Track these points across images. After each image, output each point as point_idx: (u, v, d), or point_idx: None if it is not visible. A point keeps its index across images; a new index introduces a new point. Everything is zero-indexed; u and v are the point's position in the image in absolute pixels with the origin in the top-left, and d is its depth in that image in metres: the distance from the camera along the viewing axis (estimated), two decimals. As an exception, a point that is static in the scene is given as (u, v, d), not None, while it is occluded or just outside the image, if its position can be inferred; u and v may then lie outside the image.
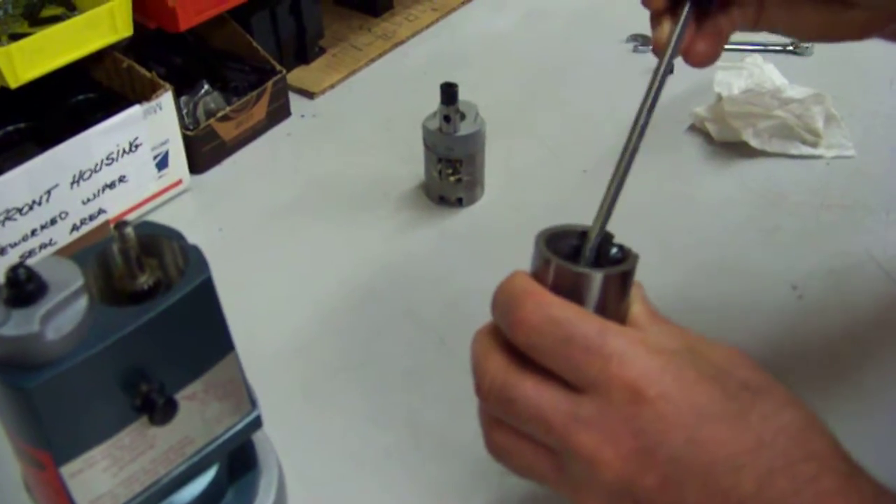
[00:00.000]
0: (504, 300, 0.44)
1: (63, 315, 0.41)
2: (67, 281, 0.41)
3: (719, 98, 0.92)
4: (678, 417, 0.41)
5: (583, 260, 0.45)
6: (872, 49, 1.01)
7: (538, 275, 0.44)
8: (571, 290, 0.43)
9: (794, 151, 0.89)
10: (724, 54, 1.02)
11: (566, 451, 0.42)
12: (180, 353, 0.45)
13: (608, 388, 0.41)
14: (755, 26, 0.59)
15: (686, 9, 0.54)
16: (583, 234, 0.46)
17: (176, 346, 0.44)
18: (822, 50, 1.03)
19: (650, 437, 0.41)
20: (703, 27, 0.56)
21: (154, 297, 0.45)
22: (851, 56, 1.03)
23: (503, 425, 0.45)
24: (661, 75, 0.51)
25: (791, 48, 1.03)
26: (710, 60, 0.57)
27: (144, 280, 0.45)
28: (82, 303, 0.41)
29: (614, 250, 0.46)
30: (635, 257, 0.45)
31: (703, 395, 0.42)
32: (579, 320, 0.42)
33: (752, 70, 0.94)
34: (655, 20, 0.57)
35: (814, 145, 0.89)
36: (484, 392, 0.44)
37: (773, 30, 0.61)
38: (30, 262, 0.42)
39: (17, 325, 0.40)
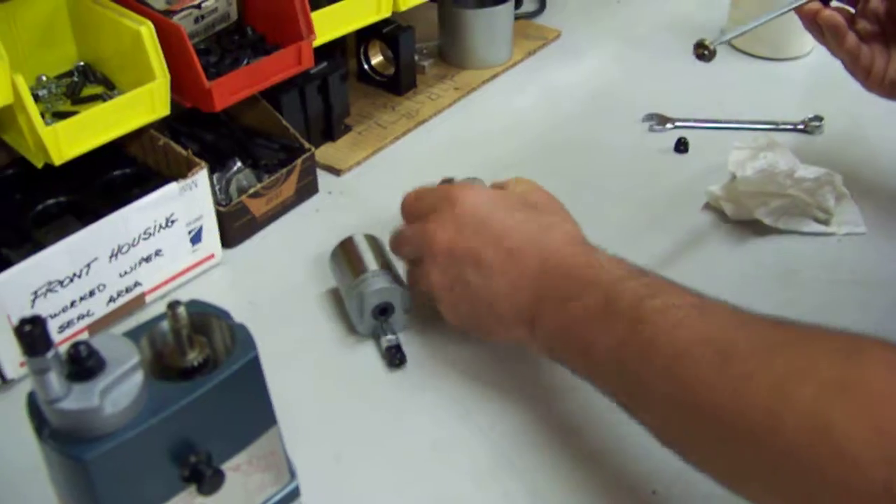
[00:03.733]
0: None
1: (120, 390, 0.43)
2: (124, 357, 0.44)
3: (734, 177, 0.95)
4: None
5: None
6: (880, 128, 1.04)
7: None
8: None
9: (805, 229, 0.91)
10: (738, 135, 1.05)
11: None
12: (227, 426, 0.47)
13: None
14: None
15: None
16: None
17: (223, 419, 0.47)
18: (831, 129, 1.06)
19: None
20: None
21: (203, 372, 0.48)
22: (859, 134, 1.06)
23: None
24: None
25: (802, 127, 1.06)
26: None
27: (194, 357, 0.48)
28: (138, 378, 0.44)
29: None
30: None
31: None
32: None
33: (765, 151, 0.96)
34: None
35: (825, 223, 0.92)
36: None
37: None
38: (88, 339, 0.44)
39: (78, 398, 0.42)
